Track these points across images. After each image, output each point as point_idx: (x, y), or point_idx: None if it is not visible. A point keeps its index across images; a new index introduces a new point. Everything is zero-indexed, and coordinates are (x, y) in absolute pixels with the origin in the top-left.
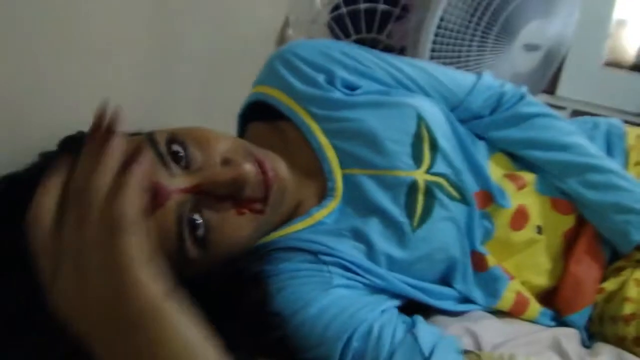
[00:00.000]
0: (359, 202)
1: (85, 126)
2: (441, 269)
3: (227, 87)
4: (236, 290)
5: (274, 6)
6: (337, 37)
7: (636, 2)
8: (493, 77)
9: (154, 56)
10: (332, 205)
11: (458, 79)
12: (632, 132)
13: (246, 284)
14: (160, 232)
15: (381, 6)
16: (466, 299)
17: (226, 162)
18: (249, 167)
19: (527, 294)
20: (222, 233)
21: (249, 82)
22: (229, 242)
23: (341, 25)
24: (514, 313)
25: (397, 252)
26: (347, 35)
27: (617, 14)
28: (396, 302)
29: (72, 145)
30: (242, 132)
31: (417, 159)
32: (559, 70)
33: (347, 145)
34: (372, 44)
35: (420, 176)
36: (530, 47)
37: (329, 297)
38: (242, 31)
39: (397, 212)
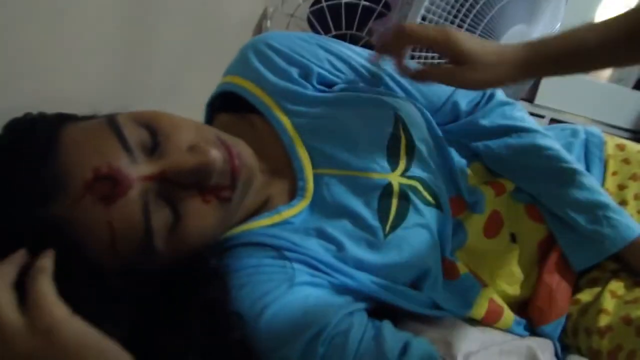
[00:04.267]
0: (330, 204)
1: (51, 106)
2: (412, 275)
3: (201, 76)
4: (195, 286)
5: None
6: (316, 32)
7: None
8: None
9: (128, 43)
10: (302, 205)
11: None
12: (610, 141)
13: (205, 280)
14: (124, 222)
15: (363, 2)
16: (438, 306)
17: (192, 148)
18: (215, 154)
19: (501, 303)
20: (188, 222)
21: (222, 73)
22: (194, 232)
23: (321, 20)
24: (488, 321)
25: (367, 256)
26: (326, 31)
27: None
28: (364, 305)
29: (17, 129)
30: (209, 123)
31: (393, 161)
32: (538, 78)
33: (320, 143)
34: (352, 41)
35: (395, 179)
36: None
37: (291, 295)
38: (219, 21)
39: (369, 215)
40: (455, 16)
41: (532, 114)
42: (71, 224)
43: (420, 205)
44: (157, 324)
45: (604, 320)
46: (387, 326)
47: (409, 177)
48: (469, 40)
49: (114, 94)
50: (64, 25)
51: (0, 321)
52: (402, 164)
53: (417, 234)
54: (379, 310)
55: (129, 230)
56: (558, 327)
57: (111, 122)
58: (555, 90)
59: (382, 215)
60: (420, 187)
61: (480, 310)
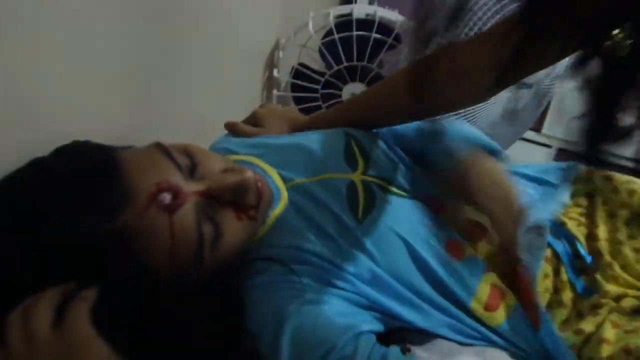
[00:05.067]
0: (306, 204)
1: (77, 135)
2: (405, 262)
3: (213, 107)
4: (211, 304)
5: (265, 28)
6: (327, 63)
7: None
8: None
9: (141, 74)
10: (282, 202)
11: None
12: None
13: (221, 298)
14: (183, 231)
15: (374, 35)
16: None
17: (227, 170)
18: (250, 173)
19: (502, 286)
20: (226, 236)
21: (234, 102)
22: (231, 245)
23: (332, 52)
24: (491, 308)
25: (352, 247)
26: (337, 62)
27: None
28: (374, 327)
29: (72, 152)
30: None
31: (351, 164)
32: (545, 108)
33: (286, 163)
34: (362, 72)
35: (357, 177)
36: (521, 85)
37: (301, 316)
38: (231, 53)
39: (341, 210)
40: None
41: (539, 144)
42: (137, 233)
43: (387, 195)
44: (172, 343)
45: (605, 351)
46: (393, 351)
47: (370, 176)
48: (269, 116)
49: (131, 127)
50: (88, 68)
51: (33, 335)
52: (360, 165)
53: (389, 214)
54: (398, 336)
55: (186, 238)
56: (550, 326)
57: (159, 146)
58: (562, 120)
59: (352, 207)
60: (383, 183)
61: (483, 294)
